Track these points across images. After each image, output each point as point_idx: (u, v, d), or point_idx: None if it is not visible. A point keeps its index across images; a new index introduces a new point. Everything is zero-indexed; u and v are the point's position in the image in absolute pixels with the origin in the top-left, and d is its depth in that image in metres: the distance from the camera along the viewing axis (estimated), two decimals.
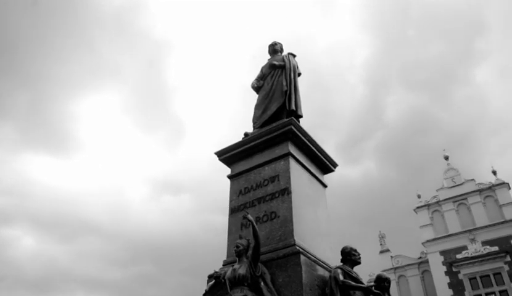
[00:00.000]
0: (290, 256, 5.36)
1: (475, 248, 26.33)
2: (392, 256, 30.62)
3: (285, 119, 6.82)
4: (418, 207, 29.82)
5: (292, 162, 6.49)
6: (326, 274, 5.69)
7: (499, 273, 25.31)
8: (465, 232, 27.03)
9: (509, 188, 27.19)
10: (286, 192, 6.17)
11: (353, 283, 5.16)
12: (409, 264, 29.56)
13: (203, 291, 5.50)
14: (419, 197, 30.36)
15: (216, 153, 7.35)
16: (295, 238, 5.68)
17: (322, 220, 6.81)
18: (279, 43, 8.91)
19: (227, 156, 7.21)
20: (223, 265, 6.20)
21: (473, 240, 26.57)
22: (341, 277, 5.25)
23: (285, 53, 8.63)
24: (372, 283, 5.45)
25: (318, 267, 5.64)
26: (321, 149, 7.17)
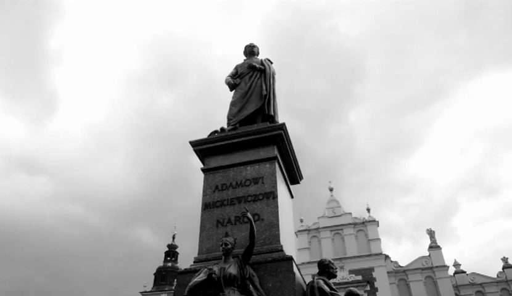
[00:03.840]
0: (282, 261, 5.25)
1: (342, 275, 28.92)
2: None
3: (277, 123, 6.78)
4: (299, 230, 31.73)
5: (277, 167, 6.42)
6: (302, 281, 5.70)
7: None
8: (337, 259, 29.54)
9: (378, 225, 30.68)
10: (272, 196, 6.06)
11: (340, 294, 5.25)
12: None
13: (185, 289, 5.01)
14: (301, 221, 32.36)
15: (191, 143, 6.90)
16: (282, 243, 5.59)
17: (292, 229, 6.84)
18: (257, 46, 8.88)
19: (204, 148, 6.82)
20: (194, 262, 5.79)
21: (342, 268, 29.17)
22: (327, 288, 5.30)
23: (262, 57, 8.61)
24: None
25: (299, 274, 5.63)
26: (296, 160, 7.24)
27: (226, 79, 8.11)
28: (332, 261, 5.94)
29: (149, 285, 50.74)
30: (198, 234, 6.09)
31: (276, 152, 6.50)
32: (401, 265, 31.59)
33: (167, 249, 55.88)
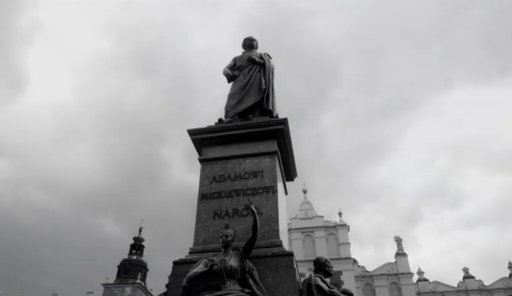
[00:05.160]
0: (283, 256, 5.19)
1: None
2: None
3: (279, 118, 6.74)
4: None
5: (276, 162, 6.35)
6: (298, 278, 5.65)
7: None
8: (306, 261, 29.72)
9: (349, 230, 31.14)
10: (272, 190, 5.99)
11: (340, 293, 5.22)
12: None
13: (184, 279, 4.84)
14: None
15: (189, 131, 6.73)
16: (281, 239, 5.53)
17: (286, 225, 6.79)
18: (256, 40, 8.80)
19: (203, 137, 6.67)
20: (190, 253, 5.64)
21: (311, 270, 29.35)
22: (325, 286, 5.27)
23: (261, 51, 8.53)
24: None
25: (297, 271, 5.58)
26: (293, 157, 7.19)
27: (224, 71, 7.99)
28: (329, 260, 5.92)
29: (112, 277, 49.67)
30: (194, 224, 5.95)
31: (276, 147, 6.42)
32: (368, 270, 32.19)
33: (133, 242, 54.85)
